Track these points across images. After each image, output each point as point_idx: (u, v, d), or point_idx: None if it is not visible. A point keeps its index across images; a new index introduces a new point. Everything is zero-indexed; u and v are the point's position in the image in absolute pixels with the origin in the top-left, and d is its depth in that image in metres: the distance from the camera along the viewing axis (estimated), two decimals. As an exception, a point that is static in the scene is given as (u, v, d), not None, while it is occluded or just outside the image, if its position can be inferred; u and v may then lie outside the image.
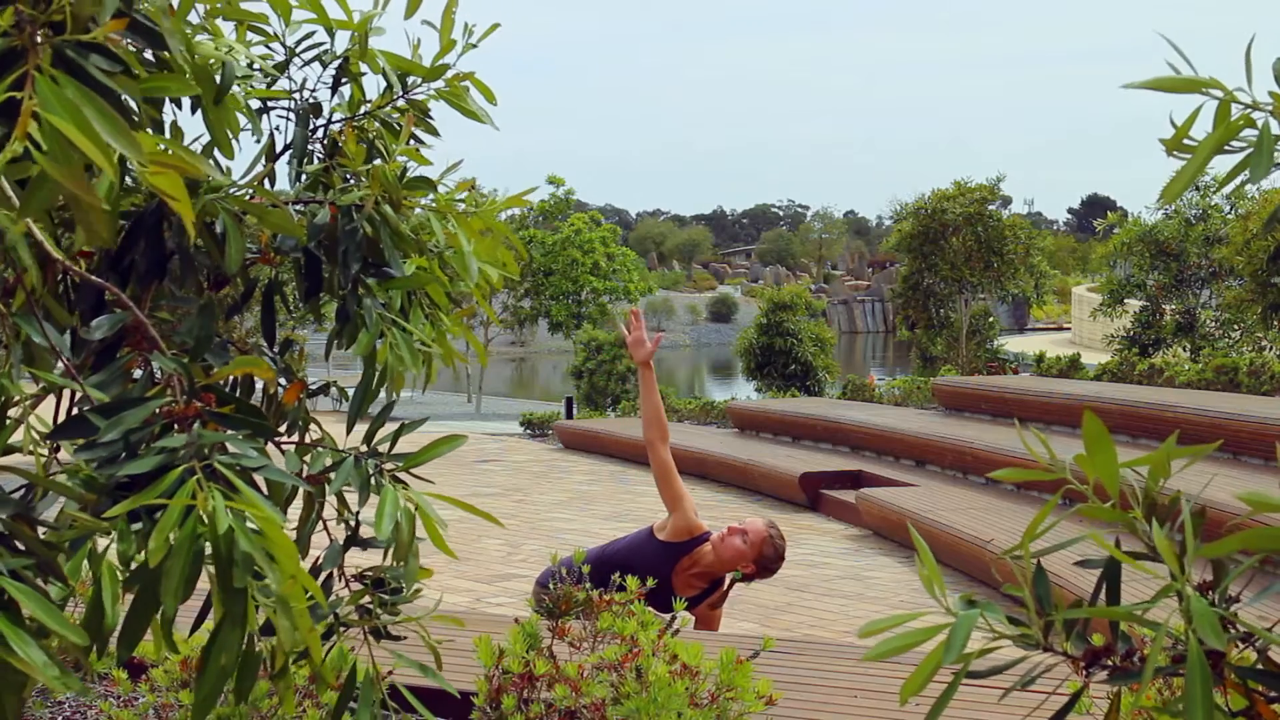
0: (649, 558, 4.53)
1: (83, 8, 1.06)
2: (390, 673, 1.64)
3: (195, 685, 1.23)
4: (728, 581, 4.62)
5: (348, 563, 1.64)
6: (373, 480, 1.49)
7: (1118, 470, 0.93)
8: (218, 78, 1.43)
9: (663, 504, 4.63)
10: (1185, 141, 1.01)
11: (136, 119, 1.29)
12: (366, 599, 1.60)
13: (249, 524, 1.15)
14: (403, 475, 1.53)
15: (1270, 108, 0.97)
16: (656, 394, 4.62)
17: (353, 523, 1.63)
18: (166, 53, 1.28)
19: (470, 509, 1.48)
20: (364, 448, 1.54)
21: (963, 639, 0.90)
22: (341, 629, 1.59)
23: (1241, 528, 0.89)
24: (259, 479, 1.28)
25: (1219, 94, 0.97)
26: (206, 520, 1.13)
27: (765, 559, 4.52)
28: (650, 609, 4.44)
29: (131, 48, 1.17)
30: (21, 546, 1.17)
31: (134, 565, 1.21)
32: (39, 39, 1.03)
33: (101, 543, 1.28)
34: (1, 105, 1.01)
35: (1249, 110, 0.97)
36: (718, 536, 4.52)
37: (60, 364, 1.36)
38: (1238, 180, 0.98)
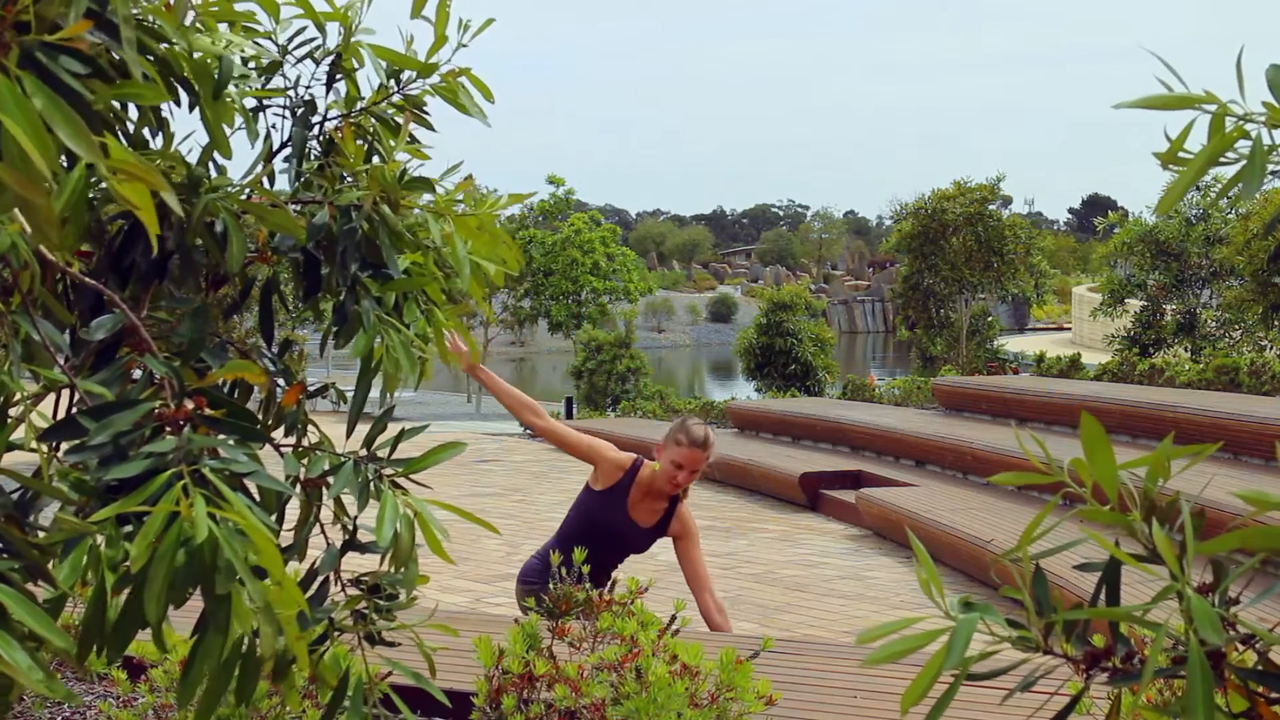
0: (600, 509, 4.54)
1: (48, 8, 1.05)
2: (389, 674, 1.64)
3: (178, 691, 1.22)
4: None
5: (345, 565, 1.64)
6: (372, 486, 1.48)
7: (1116, 473, 0.93)
8: (215, 74, 1.43)
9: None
10: (1180, 154, 1.00)
11: (111, 122, 1.28)
12: (362, 604, 1.60)
13: (235, 530, 1.15)
14: (402, 480, 1.52)
15: (1264, 118, 0.97)
16: (500, 385, 4.57)
17: (350, 527, 1.62)
18: (164, 48, 1.28)
19: (468, 516, 1.48)
20: (363, 452, 1.53)
21: (963, 644, 0.89)
22: (336, 634, 1.59)
23: (1242, 528, 0.89)
24: (250, 484, 1.28)
25: (1212, 107, 0.97)
26: (190, 527, 1.12)
27: (708, 460, 4.59)
28: (632, 553, 4.51)
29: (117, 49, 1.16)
30: (11, 548, 1.16)
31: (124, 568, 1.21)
32: (8, 38, 1.02)
33: (102, 540, 1.28)
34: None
35: (1243, 122, 0.97)
36: (665, 476, 4.53)
37: (60, 363, 1.35)
38: (1233, 192, 0.97)
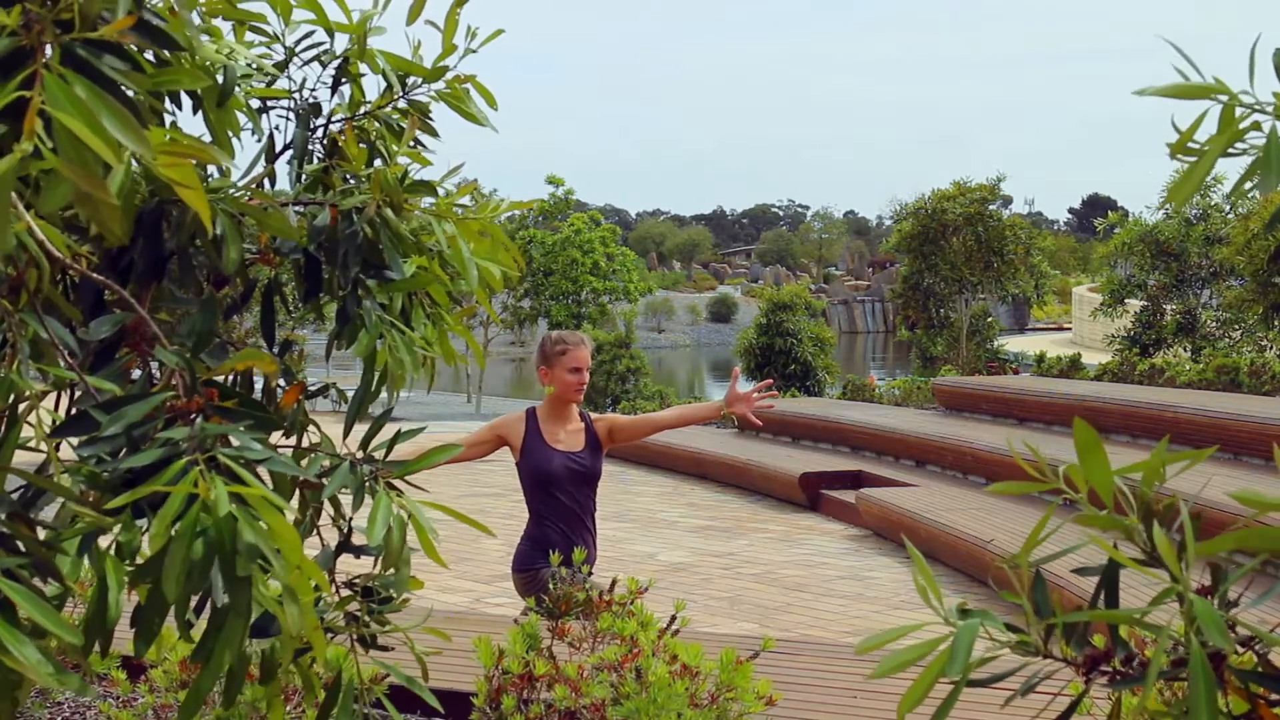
0: (537, 466, 4.66)
1: (91, 6, 1.06)
2: (386, 675, 1.64)
3: (198, 677, 1.22)
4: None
5: (340, 568, 1.64)
6: (367, 486, 1.48)
7: (1111, 477, 0.93)
8: (220, 79, 1.43)
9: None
10: (1190, 145, 1.01)
11: (143, 116, 1.28)
12: (355, 606, 1.59)
13: (253, 514, 1.15)
14: (397, 482, 1.52)
15: (1273, 109, 0.97)
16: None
17: (345, 528, 1.62)
18: (170, 53, 1.28)
19: (462, 518, 1.48)
20: (360, 453, 1.53)
21: (966, 651, 0.89)
22: (329, 635, 1.59)
23: (1242, 529, 0.89)
24: (262, 472, 1.28)
25: (1225, 98, 0.97)
26: (209, 509, 1.13)
27: (581, 355, 4.68)
28: (592, 481, 4.58)
29: (135, 46, 1.16)
30: (19, 546, 1.16)
31: (139, 559, 1.21)
32: (47, 37, 1.02)
33: (103, 540, 1.28)
34: (11, 105, 1.01)
35: (1253, 112, 0.97)
36: (568, 386, 4.65)
37: (66, 360, 1.36)
38: (1248, 186, 0.98)
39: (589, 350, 4.73)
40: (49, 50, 1.02)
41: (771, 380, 5.05)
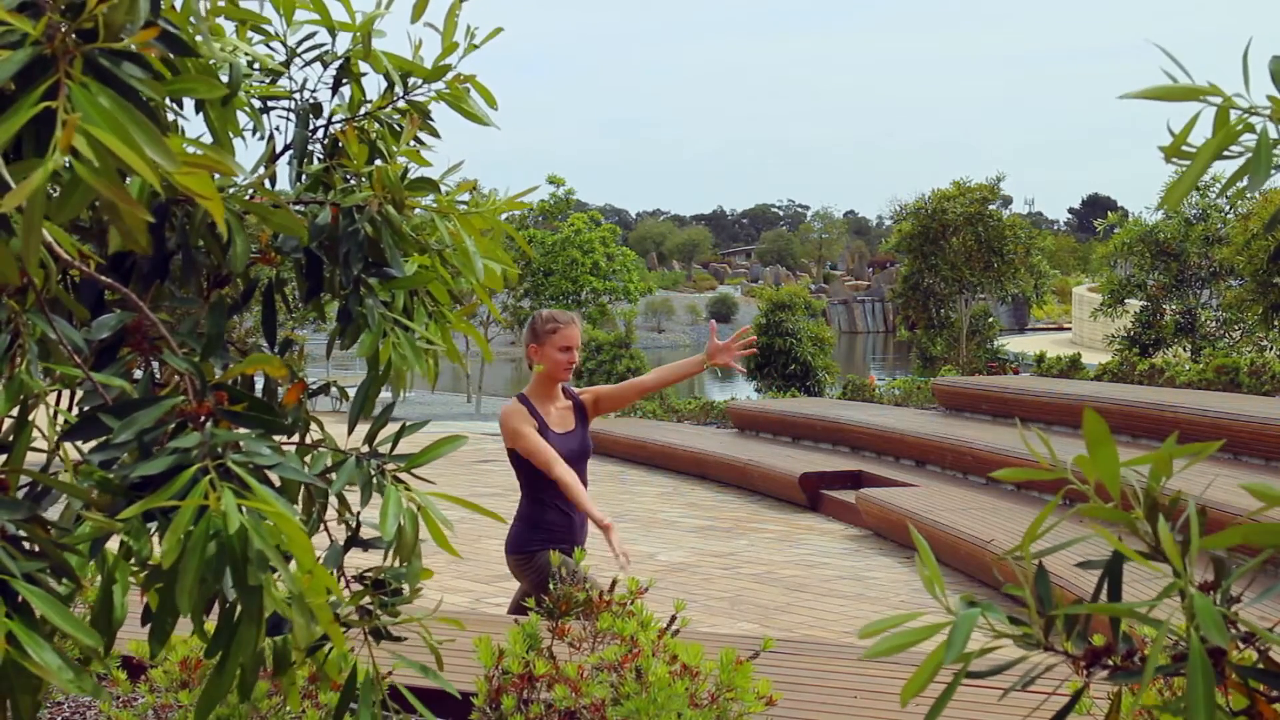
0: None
1: (116, 16, 1.06)
2: (391, 673, 1.64)
3: (211, 681, 1.23)
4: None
5: (347, 563, 1.64)
6: (374, 480, 1.49)
7: (1119, 470, 0.93)
8: (224, 78, 1.43)
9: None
10: (1184, 148, 1.01)
11: (163, 125, 1.28)
12: (367, 600, 1.60)
13: (265, 520, 1.15)
14: (404, 475, 1.53)
15: (1269, 112, 0.97)
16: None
17: (353, 523, 1.63)
18: (179, 56, 1.28)
19: (474, 507, 1.49)
20: (365, 448, 1.54)
21: (963, 638, 0.90)
22: (342, 630, 1.59)
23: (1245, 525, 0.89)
24: (272, 476, 1.28)
25: (1217, 100, 0.97)
26: (221, 519, 1.13)
27: (572, 334, 4.69)
28: (586, 457, 4.56)
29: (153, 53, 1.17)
30: (33, 548, 1.17)
31: (150, 563, 1.22)
32: (70, 47, 1.02)
33: (108, 540, 1.29)
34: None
35: (1247, 115, 0.97)
36: (558, 364, 4.66)
37: (75, 360, 1.36)
38: (1238, 185, 0.98)
39: (579, 329, 4.74)
40: (72, 60, 1.02)
41: (748, 328, 5.04)
